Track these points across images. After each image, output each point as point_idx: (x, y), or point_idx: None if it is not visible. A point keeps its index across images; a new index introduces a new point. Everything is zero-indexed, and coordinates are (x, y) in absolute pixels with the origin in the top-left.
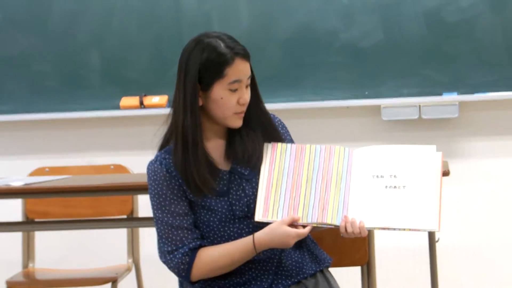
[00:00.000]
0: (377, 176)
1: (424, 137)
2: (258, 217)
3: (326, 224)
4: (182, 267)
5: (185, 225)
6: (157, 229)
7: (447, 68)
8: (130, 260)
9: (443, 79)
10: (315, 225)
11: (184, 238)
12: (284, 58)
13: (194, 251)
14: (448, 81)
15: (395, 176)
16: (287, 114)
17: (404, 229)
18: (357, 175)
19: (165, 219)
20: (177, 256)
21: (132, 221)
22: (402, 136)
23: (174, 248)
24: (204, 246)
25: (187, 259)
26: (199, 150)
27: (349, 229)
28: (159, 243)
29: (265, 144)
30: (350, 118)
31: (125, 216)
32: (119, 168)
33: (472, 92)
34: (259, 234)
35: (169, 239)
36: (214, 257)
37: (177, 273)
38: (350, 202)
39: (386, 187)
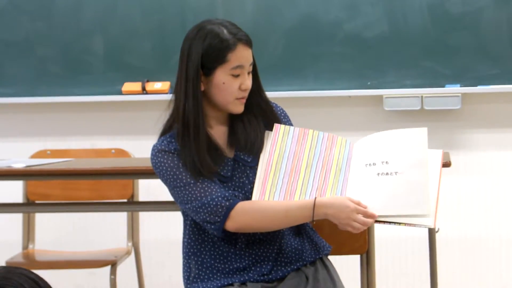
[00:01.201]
0: (370, 164)
1: (426, 127)
2: (255, 198)
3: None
4: (219, 210)
5: (208, 180)
6: (178, 198)
7: (450, 60)
8: (130, 244)
9: (446, 71)
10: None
11: (212, 187)
12: (287, 48)
13: (233, 198)
14: (451, 74)
15: (387, 165)
16: (289, 102)
17: (399, 224)
18: (354, 168)
19: (186, 182)
20: (215, 199)
21: (132, 205)
22: (403, 127)
23: (207, 194)
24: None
25: (227, 203)
26: (200, 134)
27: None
28: (184, 205)
29: (267, 132)
30: (352, 107)
31: (125, 200)
32: (120, 152)
33: (475, 85)
34: (322, 199)
35: (195, 195)
36: (263, 206)
37: (212, 218)
38: (348, 194)
39: (379, 174)
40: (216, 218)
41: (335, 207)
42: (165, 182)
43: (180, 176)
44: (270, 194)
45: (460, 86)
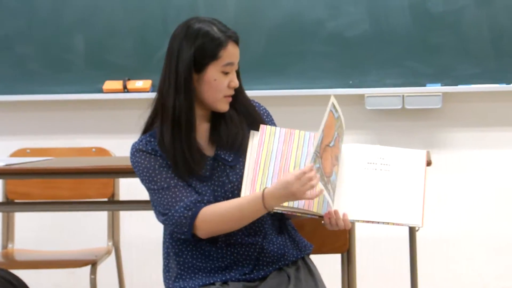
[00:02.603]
0: (368, 163)
1: (407, 126)
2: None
3: (311, 213)
4: (184, 221)
5: (181, 183)
6: (153, 202)
7: (432, 60)
8: (110, 243)
9: (427, 70)
10: (299, 214)
11: (184, 195)
12: (270, 46)
13: (197, 204)
14: (432, 73)
15: (384, 165)
16: (272, 101)
17: (387, 223)
18: (345, 166)
19: (159, 186)
20: (179, 211)
21: (113, 204)
22: (385, 125)
23: (174, 205)
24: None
25: (190, 213)
26: (192, 131)
27: (333, 221)
28: (156, 211)
29: (252, 132)
30: None
31: (106, 199)
32: (101, 151)
33: (456, 84)
34: (269, 187)
35: (167, 201)
36: (221, 209)
37: (179, 229)
38: (336, 192)
39: (371, 174)
40: (183, 229)
41: (280, 188)
42: (141, 182)
43: (155, 179)
44: None
45: (441, 86)
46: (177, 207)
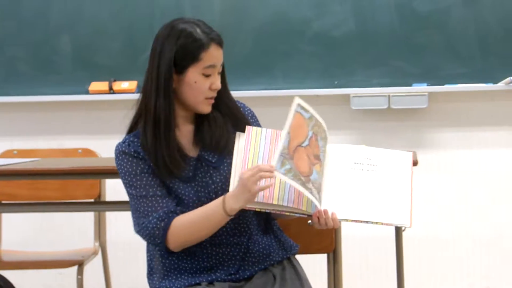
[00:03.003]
0: (355, 163)
1: (393, 126)
2: None
3: (300, 212)
4: (157, 232)
5: (159, 193)
6: (131, 206)
7: (418, 59)
8: (97, 244)
9: (413, 70)
10: (287, 213)
11: (158, 204)
12: (255, 46)
13: (170, 215)
14: (419, 72)
15: (371, 165)
16: (257, 101)
17: (376, 223)
18: (332, 166)
19: (138, 193)
20: (152, 221)
21: (99, 204)
22: (371, 125)
23: (148, 215)
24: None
25: (162, 224)
26: (171, 131)
27: (322, 221)
28: (133, 218)
29: (238, 133)
30: (319, 106)
31: (92, 200)
32: (87, 152)
33: (442, 84)
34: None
35: (143, 209)
36: (190, 219)
37: (152, 241)
38: (324, 192)
39: (359, 174)
40: (157, 240)
41: (237, 189)
42: (123, 184)
43: (135, 185)
44: None
45: (427, 85)
46: (150, 218)
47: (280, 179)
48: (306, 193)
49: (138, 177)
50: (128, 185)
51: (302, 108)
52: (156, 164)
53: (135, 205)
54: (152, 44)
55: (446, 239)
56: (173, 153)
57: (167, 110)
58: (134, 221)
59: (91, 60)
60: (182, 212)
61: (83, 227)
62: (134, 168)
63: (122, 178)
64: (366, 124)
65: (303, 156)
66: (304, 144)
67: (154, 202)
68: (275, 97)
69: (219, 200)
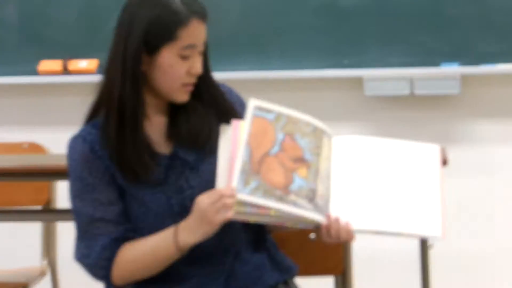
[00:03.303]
0: (370, 160)
1: (417, 117)
2: None
3: (306, 222)
4: (100, 263)
5: (109, 217)
6: (75, 221)
7: (447, 34)
8: (45, 262)
9: (441, 46)
10: (289, 225)
11: (106, 229)
12: (246, 18)
13: (116, 243)
14: (448, 50)
15: (390, 162)
16: (246, 85)
17: (400, 235)
18: (340, 166)
19: (85, 209)
20: (96, 250)
21: (49, 213)
22: (388, 116)
23: (92, 240)
24: (133, 239)
25: (107, 254)
26: (139, 125)
27: (333, 232)
28: (76, 239)
29: (223, 126)
30: (324, 92)
31: (40, 207)
32: (35, 148)
33: (477, 64)
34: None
35: (88, 233)
36: (136, 251)
37: (95, 273)
38: (332, 197)
39: (375, 173)
40: (100, 272)
41: (192, 212)
42: (69, 190)
43: (83, 196)
44: None
45: (459, 66)
46: (94, 245)
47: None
48: (286, 208)
49: (89, 188)
50: (75, 195)
51: (262, 109)
52: (119, 165)
53: (80, 224)
54: (119, 14)
55: (483, 256)
56: (141, 154)
57: (135, 98)
58: (76, 245)
59: (40, 34)
60: (141, 233)
61: (28, 241)
62: (86, 175)
63: (70, 184)
64: (383, 115)
65: (274, 165)
66: (273, 152)
67: (101, 228)
68: (269, 80)
69: (169, 231)
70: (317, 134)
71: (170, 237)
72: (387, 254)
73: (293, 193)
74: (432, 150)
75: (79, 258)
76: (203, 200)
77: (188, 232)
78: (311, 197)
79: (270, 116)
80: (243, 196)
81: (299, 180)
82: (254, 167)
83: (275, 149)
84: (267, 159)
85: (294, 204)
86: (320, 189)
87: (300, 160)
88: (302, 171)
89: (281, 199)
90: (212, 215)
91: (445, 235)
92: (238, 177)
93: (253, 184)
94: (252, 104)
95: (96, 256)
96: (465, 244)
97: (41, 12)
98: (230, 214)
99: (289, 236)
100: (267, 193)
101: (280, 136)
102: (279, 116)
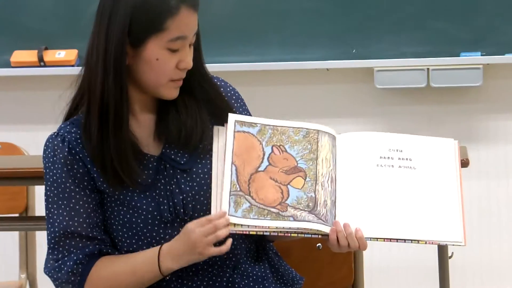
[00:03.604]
0: (381, 158)
1: (434, 112)
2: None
3: (308, 232)
4: (72, 279)
5: (84, 230)
6: (47, 229)
7: (468, 20)
8: (23, 276)
9: (461, 34)
10: (294, 233)
11: (79, 245)
12: (242, 3)
13: (91, 259)
14: (469, 38)
15: (403, 160)
16: (244, 78)
17: (417, 242)
18: (348, 166)
19: (60, 219)
20: (67, 264)
21: (27, 221)
22: (402, 111)
23: (65, 254)
24: (109, 254)
25: (80, 269)
26: (123, 126)
27: (342, 240)
28: (47, 249)
29: (216, 128)
30: (331, 84)
31: (16, 215)
32: (9, 148)
33: (502, 53)
34: (169, 242)
35: (61, 246)
36: (114, 268)
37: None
38: (339, 202)
39: (387, 173)
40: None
41: (178, 239)
42: (44, 194)
43: (59, 203)
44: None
45: (481, 55)
46: (66, 258)
47: None
48: (284, 224)
49: (66, 195)
50: (50, 201)
51: (244, 124)
52: (102, 168)
53: (53, 233)
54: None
55: (508, 266)
56: (126, 155)
57: (118, 94)
58: (47, 256)
59: (14, 21)
60: (133, 249)
61: (4, 252)
62: (63, 179)
63: (45, 188)
64: (396, 109)
65: (265, 182)
66: (261, 168)
67: (75, 239)
68: (268, 72)
69: (152, 252)
70: (311, 137)
71: (153, 261)
72: (401, 264)
73: (291, 206)
74: (448, 145)
75: (48, 271)
76: (194, 230)
77: (173, 258)
78: (312, 206)
79: (254, 130)
80: (235, 220)
81: (295, 191)
82: (243, 187)
83: (264, 164)
84: (256, 176)
85: (294, 217)
86: (322, 196)
87: (294, 170)
88: (298, 182)
89: (277, 216)
90: (203, 246)
91: (466, 241)
92: (227, 201)
93: (245, 205)
94: (231, 119)
95: (67, 271)
96: (488, 253)
97: None
98: (224, 248)
99: (293, 245)
100: (261, 213)
101: (268, 149)
102: (263, 128)
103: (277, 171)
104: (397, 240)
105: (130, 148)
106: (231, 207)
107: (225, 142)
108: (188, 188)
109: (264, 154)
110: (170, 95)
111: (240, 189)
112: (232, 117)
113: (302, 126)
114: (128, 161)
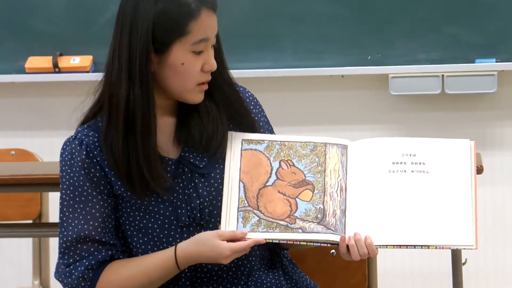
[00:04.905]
0: (393, 164)
1: (448, 119)
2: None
3: (317, 242)
4: (82, 284)
5: (98, 235)
6: (59, 232)
7: (483, 26)
8: (37, 282)
9: (476, 40)
10: (304, 243)
11: (91, 250)
12: (255, 8)
13: (102, 264)
14: (484, 44)
15: (416, 164)
16: (258, 85)
17: (428, 247)
18: (359, 173)
19: (74, 223)
20: (78, 269)
21: (40, 227)
22: (416, 118)
23: (76, 259)
24: (119, 259)
25: (91, 274)
26: (151, 135)
27: (353, 249)
28: (58, 253)
29: (230, 133)
30: (345, 91)
31: (30, 221)
32: (23, 154)
33: None
34: (184, 244)
35: (73, 251)
36: (126, 272)
37: None
38: (349, 210)
39: (399, 179)
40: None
41: (203, 250)
42: (60, 198)
43: (75, 207)
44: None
45: (496, 62)
46: (78, 263)
47: None
48: (293, 236)
49: (82, 198)
50: (64, 205)
51: (251, 141)
52: (127, 179)
53: (65, 237)
54: (119, 6)
55: None
56: (155, 165)
57: (145, 102)
58: (58, 260)
59: (29, 27)
60: (143, 246)
61: (18, 259)
62: (80, 183)
63: (61, 190)
64: (410, 116)
65: (273, 196)
66: (270, 182)
67: (86, 248)
68: (282, 78)
69: (168, 251)
70: (318, 151)
71: (170, 257)
72: (415, 271)
73: (300, 218)
74: (463, 146)
75: (59, 276)
76: (223, 245)
77: (190, 261)
78: (321, 218)
79: (261, 147)
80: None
81: (304, 204)
82: (251, 203)
83: (272, 179)
84: (264, 191)
85: (303, 229)
86: (331, 206)
87: (302, 184)
88: (306, 194)
89: (286, 228)
90: (230, 257)
91: (477, 244)
92: (236, 216)
93: (253, 219)
94: (237, 137)
95: (78, 277)
96: (502, 260)
97: (28, 2)
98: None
99: (307, 252)
100: (270, 226)
101: (275, 164)
102: (270, 144)
103: (285, 185)
104: (407, 246)
105: (157, 155)
106: (239, 223)
107: (230, 160)
108: (205, 193)
109: (272, 169)
110: (196, 99)
111: (248, 204)
112: (238, 136)
113: (309, 140)
114: (158, 169)
